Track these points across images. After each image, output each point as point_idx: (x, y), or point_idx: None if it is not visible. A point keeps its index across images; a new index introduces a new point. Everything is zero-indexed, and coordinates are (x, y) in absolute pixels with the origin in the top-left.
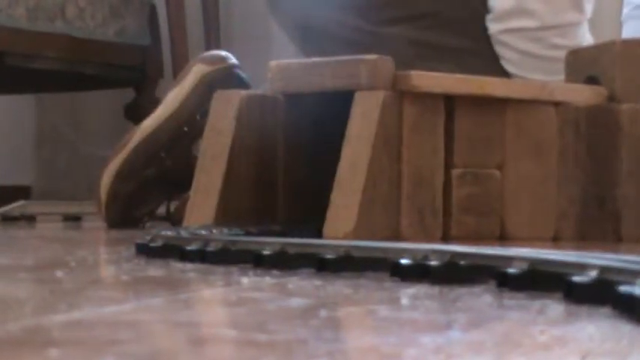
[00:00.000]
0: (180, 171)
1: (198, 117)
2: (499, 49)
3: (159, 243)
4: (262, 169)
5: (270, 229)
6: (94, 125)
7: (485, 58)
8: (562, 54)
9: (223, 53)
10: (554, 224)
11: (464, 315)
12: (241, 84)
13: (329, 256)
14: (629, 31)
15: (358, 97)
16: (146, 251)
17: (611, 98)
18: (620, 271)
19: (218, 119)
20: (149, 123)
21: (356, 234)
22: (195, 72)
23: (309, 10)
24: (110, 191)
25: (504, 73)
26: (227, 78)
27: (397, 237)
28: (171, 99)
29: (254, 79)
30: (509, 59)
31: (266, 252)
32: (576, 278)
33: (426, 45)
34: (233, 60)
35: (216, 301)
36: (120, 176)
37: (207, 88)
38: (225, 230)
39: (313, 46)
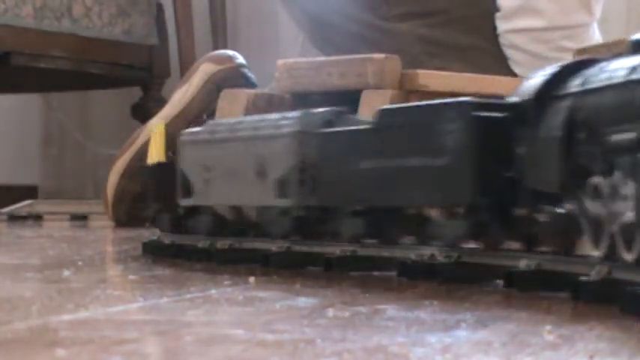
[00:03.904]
0: None
1: (205, 116)
2: (506, 51)
3: (166, 242)
4: None
5: None
6: (101, 124)
7: (495, 57)
8: (569, 57)
9: (231, 53)
10: None
11: (471, 314)
12: (248, 83)
13: (336, 256)
14: None
15: (365, 95)
16: (153, 250)
17: None
18: (628, 270)
19: (225, 118)
20: (156, 122)
21: None
22: (202, 71)
23: (321, 3)
24: (117, 190)
25: (514, 73)
26: (234, 77)
27: None
28: (179, 98)
29: (261, 78)
30: (516, 60)
31: (273, 251)
32: (584, 278)
33: (435, 42)
34: (240, 59)
35: (224, 300)
36: (126, 175)
37: (214, 87)
38: None
39: (323, 38)
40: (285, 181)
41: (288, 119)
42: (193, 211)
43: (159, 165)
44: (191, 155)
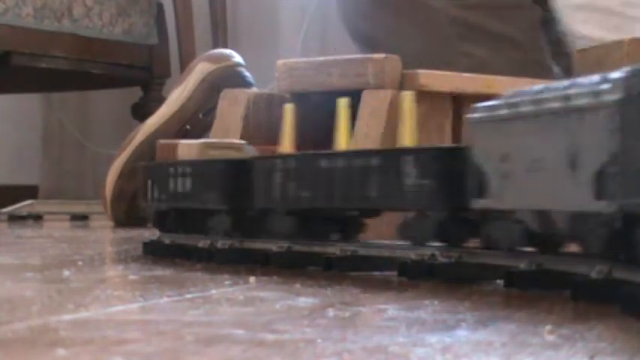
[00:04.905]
0: None
1: (200, 115)
2: (570, 13)
3: (166, 242)
4: None
5: None
6: (101, 124)
7: (524, 50)
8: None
9: (227, 51)
10: None
11: (471, 314)
12: (245, 83)
13: (336, 256)
14: None
15: (366, 95)
16: (153, 250)
17: None
18: (628, 270)
19: (225, 118)
20: (152, 121)
21: None
22: (198, 70)
23: None
24: (115, 190)
25: (542, 68)
26: (231, 76)
27: None
28: (175, 97)
29: (261, 78)
30: (581, 20)
31: (273, 251)
32: (585, 277)
33: (466, 25)
34: (237, 58)
35: (224, 300)
36: (124, 175)
37: (210, 87)
38: None
39: (353, 6)
40: (607, 175)
41: (609, 81)
42: (489, 215)
43: (442, 150)
44: (486, 139)
